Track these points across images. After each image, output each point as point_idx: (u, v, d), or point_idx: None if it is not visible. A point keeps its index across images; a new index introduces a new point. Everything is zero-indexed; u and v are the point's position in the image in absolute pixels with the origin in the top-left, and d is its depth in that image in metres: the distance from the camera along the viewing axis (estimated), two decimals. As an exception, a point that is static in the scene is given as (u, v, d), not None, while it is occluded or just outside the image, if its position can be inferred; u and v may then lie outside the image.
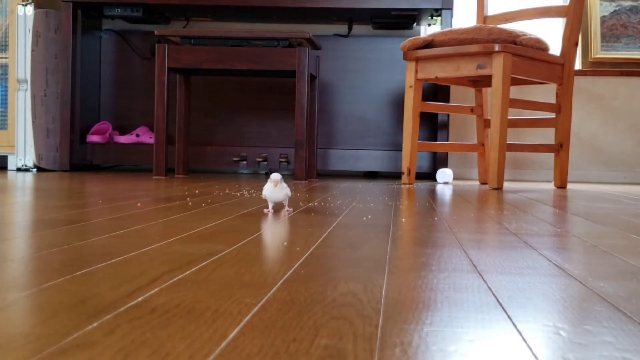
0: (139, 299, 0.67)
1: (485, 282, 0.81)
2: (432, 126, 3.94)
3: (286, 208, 1.71)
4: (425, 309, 0.66)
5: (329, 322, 0.60)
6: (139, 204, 1.75)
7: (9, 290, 0.70)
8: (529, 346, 0.54)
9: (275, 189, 1.64)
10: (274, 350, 0.51)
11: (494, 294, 0.74)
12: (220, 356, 0.49)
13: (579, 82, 4.15)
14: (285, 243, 1.10)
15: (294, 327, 0.58)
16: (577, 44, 3.23)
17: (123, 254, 0.95)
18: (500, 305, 0.69)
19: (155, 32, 3.34)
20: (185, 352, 0.50)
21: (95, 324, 0.57)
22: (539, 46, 3.10)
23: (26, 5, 3.69)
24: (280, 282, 0.78)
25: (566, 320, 0.63)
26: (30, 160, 3.69)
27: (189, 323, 0.58)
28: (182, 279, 0.78)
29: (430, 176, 3.85)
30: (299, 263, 0.91)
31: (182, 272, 0.82)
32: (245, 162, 3.79)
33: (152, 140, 3.83)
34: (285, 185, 1.66)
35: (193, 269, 0.84)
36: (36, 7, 3.76)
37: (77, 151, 3.77)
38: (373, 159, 3.83)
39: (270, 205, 1.66)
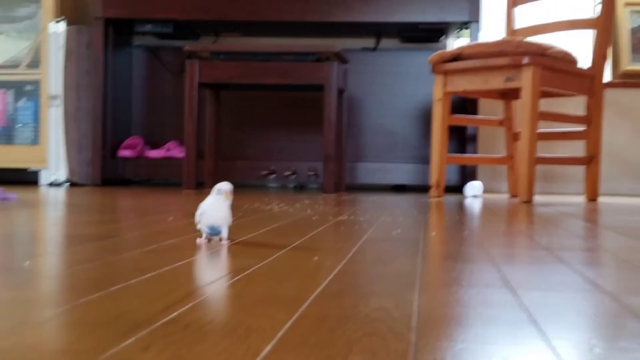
0: (173, 314, 0.68)
1: (518, 298, 0.80)
2: (461, 139, 3.93)
3: (224, 241, 1.27)
4: (457, 326, 0.66)
5: (362, 339, 0.60)
6: (170, 219, 1.76)
7: (45, 306, 0.71)
8: (563, 363, 0.54)
9: (222, 203, 1.24)
10: (308, 367, 0.51)
11: (526, 310, 0.74)
12: (255, 372, 0.50)
13: (608, 94, 4.12)
14: (316, 258, 1.10)
15: (327, 344, 0.58)
16: (606, 55, 3.21)
17: (156, 269, 0.96)
18: (534, 321, 0.69)
19: (185, 48, 3.38)
20: (221, 368, 0.50)
21: (131, 340, 0.58)
22: (568, 59, 3.08)
23: (58, 22, 3.74)
24: (312, 297, 0.78)
25: (601, 337, 0.63)
26: (62, 175, 3.73)
27: (223, 339, 0.59)
28: (215, 294, 0.79)
29: (459, 189, 3.84)
30: (329, 278, 0.91)
31: (215, 288, 0.82)
32: (274, 176, 3.80)
33: (182, 155, 3.87)
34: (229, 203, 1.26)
35: (225, 284, 0.85)
36: (68, 23, 3.82)
37: (109, 166, 3.81)
38: (401, 172, 3.83)
39: (205, 234, 1.26)
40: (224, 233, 1.26)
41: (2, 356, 0.52)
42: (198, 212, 1.26)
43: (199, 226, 1.26)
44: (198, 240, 1.28)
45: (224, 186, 1.24)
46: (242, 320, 0.66)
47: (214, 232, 1.26)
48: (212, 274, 0.92)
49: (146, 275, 0.90)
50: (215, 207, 1.24)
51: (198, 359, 0.53)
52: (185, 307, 0.71)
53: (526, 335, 0.63)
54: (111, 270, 0.94)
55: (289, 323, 0.65)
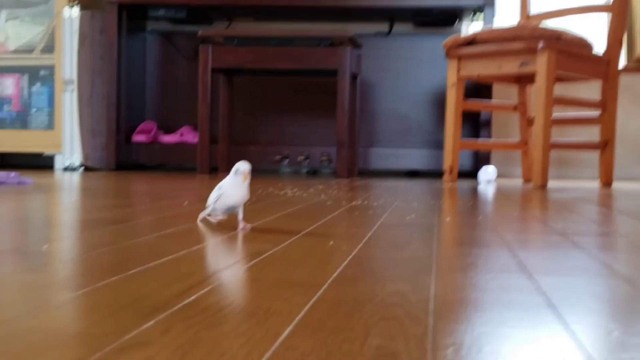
0: (191, 297, 0.68)
1: (535, 283, 0.80)
2: (474, 124, 3.92)
3: (241, 224, 1.26)
4: (475, 310, 0.66)
5: (380, 323, 0.61)
6: (185, 203, 1.77)
7: (64, 289, 0.72)
8: (583, 346, 0.54)
9: (241, 184, 1.24)
10: (327, 350, 0.52)
11: (544, 295, 0.74)
12: (275, 355, 0.50)
13: (623, 80, 4.09)
14: (331, 243, 1.10)
15: (345, 327, 0.58)
16: (622, 40, 3.18)
17: (172, 253, 0.96)
18: (551, 305, 0.69)
19: (199, 33, 3.38)
20: (241, 350, 0.51)
21: (150, 323, 0.58)
22: (583, 43, 3.06)
23: (72, 7, 3.75)
24: (328, 281, 0.78)
25: (618, 321, 0.63)
26: (77, 159, 3.75)
27: (241, 322, 0.59)
28: (232, 278, 0.79)
29: (473, 175, 3.83)
30: (345, 263, 0.91)
31: (231, 271, 0.83)
32: (287, 161, 3.80)
33: (195, 140, 3.87)
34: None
35: (241, 268, 0.85)
36: (82, 8, 3.83)
37: (123, 150, 3.82)
38: (414, 158, 3.82)
39: (222, 213, 1.26)
40: (241, 214, 1.26)
41: (23, 338, 0.53)
42: (215, 192, 1.25)
43: (212, 205, 1.25)
44: (201, 217, 1.32)
45: (242, 166, 1.23)
46: (260, 304, 0.67)
47: (230, 210, 1.26)
48: (227, 259, 0.93)
49: (163, 259, 0.91)
50: (234, 187, 1.23)
51: (218, 342, 0.53)
52: (203, 291, 0.71)
53: (544, 320, 0.63)
54: (128, 254, 0.94)
55: (307, 307, 0.66)
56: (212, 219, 1.31)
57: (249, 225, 1.28)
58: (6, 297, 0.67)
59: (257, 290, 0.73)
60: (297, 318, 0.61)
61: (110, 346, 0.51)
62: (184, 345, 0.52)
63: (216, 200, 1.25)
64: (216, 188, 1.26)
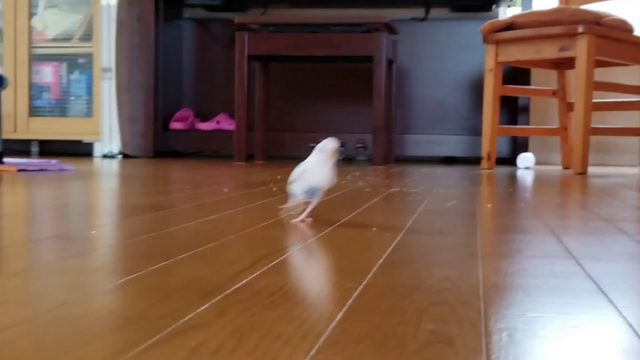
0: (243, 281, 0.69)
1: (583, 269, 0.80)
2: (512, 110, 3.88)
3: (303, 215, 1.16)
4: (525, 295, 0.66)
5: (431, 307, 0.61)
6: (225, 190, 1.78)
7: (114, 274, 0.73)
8: (636, 332, 0.54)
9: (326, 163, 1.12)
10: (382, 334, 0.52)
11: (593, 281, 0.73)
12: (331, 338, 0.50)
13: (665, 63, 4.02)
14: (374, 229, 1.11)
15: (397, 312, 0.59)
16: (665, 23, 3.13)
17: (218, 238, 0.97)
18: (602, 291, 0.68)
19: (235, 20, 3.39)
20: (297, 333, 0.51)
21: (206, 306, 0.59)
22: (624, 27, 3.01)
23: (110, -5, 3.78)
24: (375, 267, 0.79)
25: (671, 308, 0.62)
26: (115, 147, 3.79)
27: (294, 305, 0.60)
28: (280, 262, 0.80)
29: (510, 161, 3.80)
30: (390, 249, 0.92)
31: (279, 256, 0.84)
32: (323, 148, 3.80)
33: (232, 127, 3.89)
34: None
35: (289, 253, 0.86)
36: (119, -3, 3.85)
37: (161, 138, 3.85)
38: (451, 144, 3.80)
39: (303, 195, 1.15)
40: (313, 203, 1.15)
41: (78, 322, 0.54)
42: (296, 171, 1.14)
43: (291, 187, 1.14)
44: (281, 207, 1.22)
45: (328, 144, 1.11)
46: (311, 288, 0.67)
47: (311, 193, 1.13)
48: (273, 244, 0.94)
49: (211, 244, 0.92)
50: (318, 166, 1.11)
51: (273, 324, 0.54)
52: (253, 275, 0.72)
53: (596, 305, 0.63)
54: (174, 240, 0.96)
55: (357, 291, 0.66)
56: (290, 205, 1.19)
57: (309, 220, 1.16)
58: (57, 283, 0.69)
59: (306, 275, 0.74)
60: (349, 302, 0.62)
61: (167, 329, 0.52)
62: (240, 328, 0.53)
63: (294, 181, 1.13)
64: (297, 167, 1.15)
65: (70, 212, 1.27)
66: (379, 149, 3.32)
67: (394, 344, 0.50)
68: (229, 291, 0.65)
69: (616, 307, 0.62)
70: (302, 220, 1.15)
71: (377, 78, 3.30)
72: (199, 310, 0.58)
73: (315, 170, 1.12)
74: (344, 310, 0.59)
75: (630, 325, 0.56)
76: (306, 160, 1.15)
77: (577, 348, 0.50)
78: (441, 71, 3.98)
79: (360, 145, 3.79)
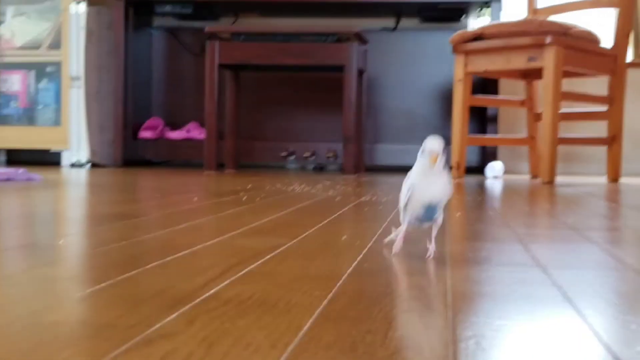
0: (212, 290, 0.69)
1: (550, 276, 0.81)
2: (481, 120, 3.92)
3: (430, 247, 0.90)
4: (493, 303, 0.67)
5: (400, 315, 0.61)
6: (195, 199, 1.78)
7: (83, 283, 0.73)
8: (601, 339, 0.55)
9: (433, 171, 0.86)
10: (351, 341, 0.52)
11: (560, 288, 0.74)
12: (300, 346, 0.51)
13: (631, 75, 4.09)
14: (345, 237, 1.11)
15: (366, 319, 0.59)
16: (629, 34, 3.18)
17: (188, 247, 0.97)
18: (568, 299, 0.69)
19: (206, 29, 3.38)
20: (266, 341, 0.52)
21: (175, 315, 0.59)
22: (591, 38, 3.06)
23: (79, 3, 3.76)
24: (345, 275, 0.79)
25: (635, 314, 0.63)
26: (84, 156, 3.76)
27: (264, 314, 0.60)
28: (250, 271, 0.80)
29: (479, 170, 3.83)
30: (360, 257, 0.92)
31: (249, 265, 0.84)
32: (293, 157, 3.81)
33: (202, 136, 3.88)
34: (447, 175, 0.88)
35: (259, 262, 0.86)
36: (88, 4, 3.83)
37: (130, 147, 3.83)
38: (421, 153, 3.82)
39: (418, 221, 0.89)
40: (440, 216, 0.88)
41: (47, 331, 0.54)
42: (404, 189, 0.89)
43: (404, 213, 0.88)
44: (387, 240, 0.96)
45: (432, 144, 0.85)
46: (281, 296, 0.67)
47: (430, 214, 0.87)
48: (244, 253, 0.94)
49: (179, 253, 0.91)
50: (427, 175, 0.85)
51: (242, 333, 0.54)
52: (223, 284, 0.72)
53: (562, 312, 0.64)
54: (144, 249, 0.95)
55: (327, 299, 0.66)
56: (402, 236, 0.89)
57: (431, 251, 0.90)
58: (26, 292, 0.68)
59: (276, 283, 0.74)
60: (319, 310, 0.62)
61: (136, 338, 0.52)
62: (210, 337, 0.53)
63: (405, 204, 0.87)
64: (404, 182, 0.89)
65: (38, 222, 1.25)
66: (350, 158, 3.33)
67: (362, 350, 0.50)
68: (198, 300, 0.65)
69: (582, 315, 0.63)
70: (429, 255, 0.88)
71: (348, 87, 3.32)
72: (168, 319, 0.58)
73: (423, 181, 0.86)
74: (313, 318, 0.59)
75: (596, 333, 0.57)
76: (412, 170, 0.90)
77: (543, 356, 0.50)
78: (411, 81, 4.00)
79: (331, 155, 3.79)
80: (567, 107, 4.01)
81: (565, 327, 0.58)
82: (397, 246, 0.90)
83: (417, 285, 0.74)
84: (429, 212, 0.86)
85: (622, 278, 0.81)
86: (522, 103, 3.49)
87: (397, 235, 0.92)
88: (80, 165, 3.76)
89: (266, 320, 0.58)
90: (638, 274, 0.84)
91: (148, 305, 0.62)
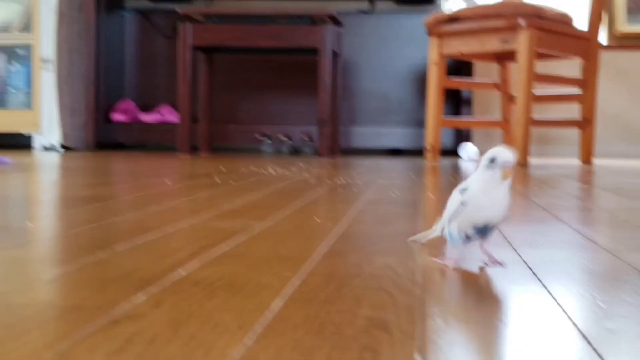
0: (182, 272, 0.68)
1: (520, 256, 0.81)
2: (456, 102, 3.93)
3: (491, 257, 0.76)
4: (462, 281, 0.67)
5: (370, 294, 0.61)
6: (168, 182, 1.76)
7: (52, 265, 0.72)
8: (569, 317, 0.55)
9: (501, 186, 0.74)
10: (320, 321, 0.52)
11: (529, 267, 0.75)
12: (268, 326, 0.50)
13: (604, 57, 4.11)
14: (318, 219, 1.11)
15: (336, 299, 0.59)
16: (601, 16, 3.20)
17: (159, 229, 0.96)
18: (537, 278, 0.70)
19: (179, 11, 3.35)
20: (234, 322, 0.51)
21: (142, 296, 0.58)
22: (565, 20, 3.07)
23: (50, -15, 3.70)
24: (317, 256, 0.79)
25: (603, 291, 0.64)
26: (55, 139, 3.72)
27: (232, 295, 0.60)
28: (221, 253, 0.79)
29: (454, 152, 3.84)
30: (332, 238, 0.92)
31: (219, 247, 0.83)
32: (268, 140, 3.80)
33: (175, 119, 3.86)
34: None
35: (230, 244, 0.85)
36: (59, -14, 3.78)
37: (102, 130, 3.80)
38: (396, 136, 3.83)
39: (464, 240, 0.75)
40: (491, 236, 0.76)
41: (16, 312, 0.53)
42: (453, 200, 0.76)
43: (449, 228, 0.76)
44: (412, 239, 0.87)
45: (501, 154, 0.72)
46: (250, 278, 0.67)
47: (482, 234, 0.75)
48: (215, 235, 0.93)
49: (150, 236, 0.91)
50: (491, 190, 0.73)
51: (210, 315, 0.53)
52: (193, 266, 0.72)
53: (532, 291, 0.64)
54: (114, 231, 0.94)
55: (297, 280, 0.66)
56: (446, 259, 0.76)
57: (497, 261, 0.76)
58: (-5, 273, 0.67)
59: (247, 265, 0.73)
60: (288, 291, 0.62)
61: (103, 319, 0.51)
62: (177, 318, 0.52)
63: (454, 216, 0.75)
64: (455, 191, 0.77)
65: (9, 204, 1.24)
66: (324, 140, 3.33)
67: (331, 330, 0.50)
68: (166, 282, 0.64)
69: (551, 294, 0.63)
70: (493, 262, 0.76)
71: (322, 70, 3.30)
72: (135, 301, 0.57)
73: (485, 198, 0.73)
74: (282, 299, 0.59)
75: (565, 312, 0.57)
76: (468, 180, 0.77)
77: (511, 333, 0.51)
78: (386, 64, 4.00)
79: (306, 137, 3.79)
80: (540, 90, 4.03)
81: (535, 305, 0.59)
82: (450, 264, 0.75)
83: (388, 265, 0.74)
84: (482, 232, 0.74)
85: (592, 258, 0.82)
86: (496, 85, 3.50)
87: (426, 238, 0.85)
88: (52, 149, 3.72)
89: (235, 302, 0.57)
90: (606, 252, 0.85)
91: (115, 287, 0.62)
